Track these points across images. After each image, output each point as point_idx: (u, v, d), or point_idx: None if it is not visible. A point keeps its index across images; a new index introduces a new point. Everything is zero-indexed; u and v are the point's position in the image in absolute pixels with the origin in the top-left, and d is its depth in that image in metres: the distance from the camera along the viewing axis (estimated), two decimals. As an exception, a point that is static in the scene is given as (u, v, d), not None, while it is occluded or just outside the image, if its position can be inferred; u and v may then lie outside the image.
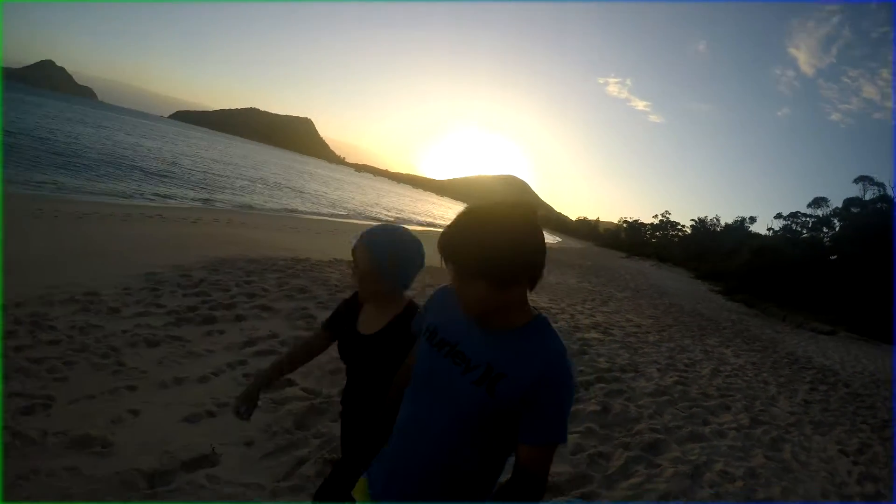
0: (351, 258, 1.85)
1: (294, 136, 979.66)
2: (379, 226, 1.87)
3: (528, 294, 1.30)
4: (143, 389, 3.71)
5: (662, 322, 12.46)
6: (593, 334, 8.46)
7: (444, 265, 1.26)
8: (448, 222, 1.28)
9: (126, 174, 22.55)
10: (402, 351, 1.77)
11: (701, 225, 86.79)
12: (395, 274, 1.80)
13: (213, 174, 33.39)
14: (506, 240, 1.19)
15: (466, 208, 1.26)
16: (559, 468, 3.67)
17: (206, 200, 20.61)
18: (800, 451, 5.43)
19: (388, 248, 1.79)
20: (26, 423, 3.05)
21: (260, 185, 34.79)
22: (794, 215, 55.48)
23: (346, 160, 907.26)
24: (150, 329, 4.70)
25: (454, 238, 1.23)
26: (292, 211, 25.36)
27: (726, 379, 7.80)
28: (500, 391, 1.23)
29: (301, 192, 39.94)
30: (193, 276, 6.67)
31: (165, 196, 19.21)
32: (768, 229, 60.02)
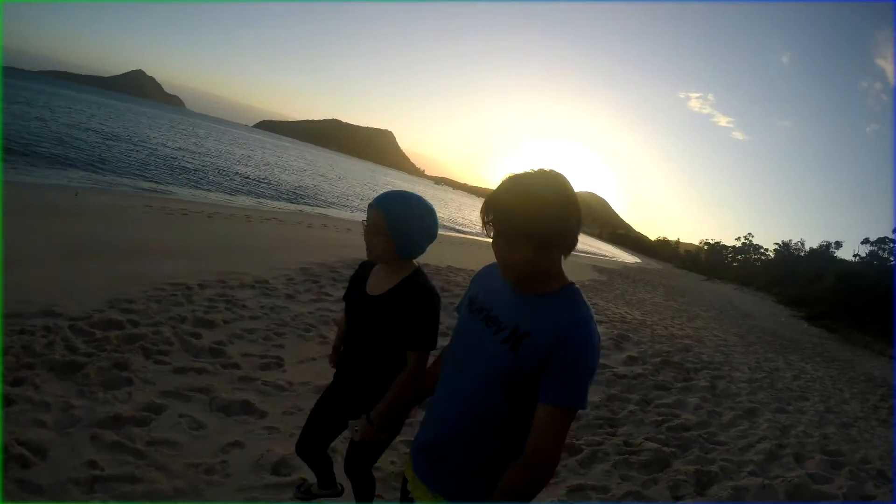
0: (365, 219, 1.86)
1: (376, 147, 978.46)
2: (396, 190, 1.88)
3: (563, 262, 1.34)
4: (352, 357, 4.73)
5: (747, 339, 13.93)
6: (688, 342, 10.19)
7: (485, 230, 1.30)
8: None
9: (227, 181, 24.42)
10: (407, 312, 1.80)
11: (785, 249, 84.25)
12: (404, 237, 1.81)
13: (306, 185, 35.96)
14: (552, 203, 1.22)
15: (509, 174, 1.28)
16: (688, 415, 5.58)
17: (301, 211, 21.34)
18: (865, 433, 6.99)
19: (401, 210, 1.81)
20: (269, 376, 3.79)
21: (353, 199, 37.02)
22: (881, 241, 53.85)
23: (426, 173, 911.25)
24: (332, 312, 5.57)
25: (501, 200, 1.25)
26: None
27: (806, 382, 9.39)
28: (523, 349, 1.26)
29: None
30: (342, 273, 7.49)
31: (266, 202, 20.82)
32: (854, 255, 58.23)
